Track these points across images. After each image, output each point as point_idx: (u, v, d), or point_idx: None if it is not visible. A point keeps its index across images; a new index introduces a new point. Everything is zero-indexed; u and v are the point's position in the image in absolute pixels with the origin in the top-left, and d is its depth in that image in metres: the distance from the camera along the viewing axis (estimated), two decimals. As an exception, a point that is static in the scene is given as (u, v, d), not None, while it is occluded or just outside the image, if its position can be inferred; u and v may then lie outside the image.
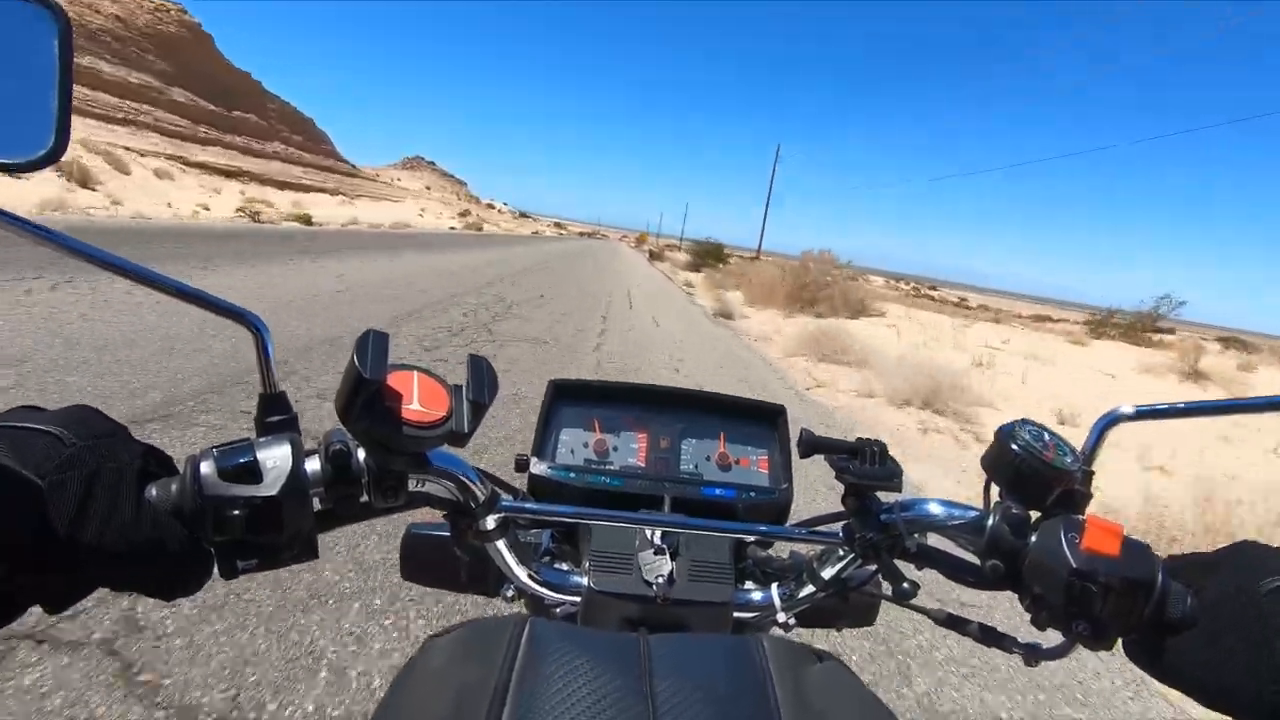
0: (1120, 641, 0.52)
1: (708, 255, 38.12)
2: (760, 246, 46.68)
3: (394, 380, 0.47)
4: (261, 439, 0.46)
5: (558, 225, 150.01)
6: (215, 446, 0.44)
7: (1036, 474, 0.54)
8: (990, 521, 0.56)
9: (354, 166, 59.75)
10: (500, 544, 0.63)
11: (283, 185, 38.58)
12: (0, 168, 0.41)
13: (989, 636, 0.59)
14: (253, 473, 0.43)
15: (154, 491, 0.43)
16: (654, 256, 48.49)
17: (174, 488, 0.43)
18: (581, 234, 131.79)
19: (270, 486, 0.43)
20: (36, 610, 0.39)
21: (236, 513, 0.42)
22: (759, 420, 0.88)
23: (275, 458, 0.44)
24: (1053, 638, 0.54)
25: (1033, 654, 0.56)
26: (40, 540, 0.37)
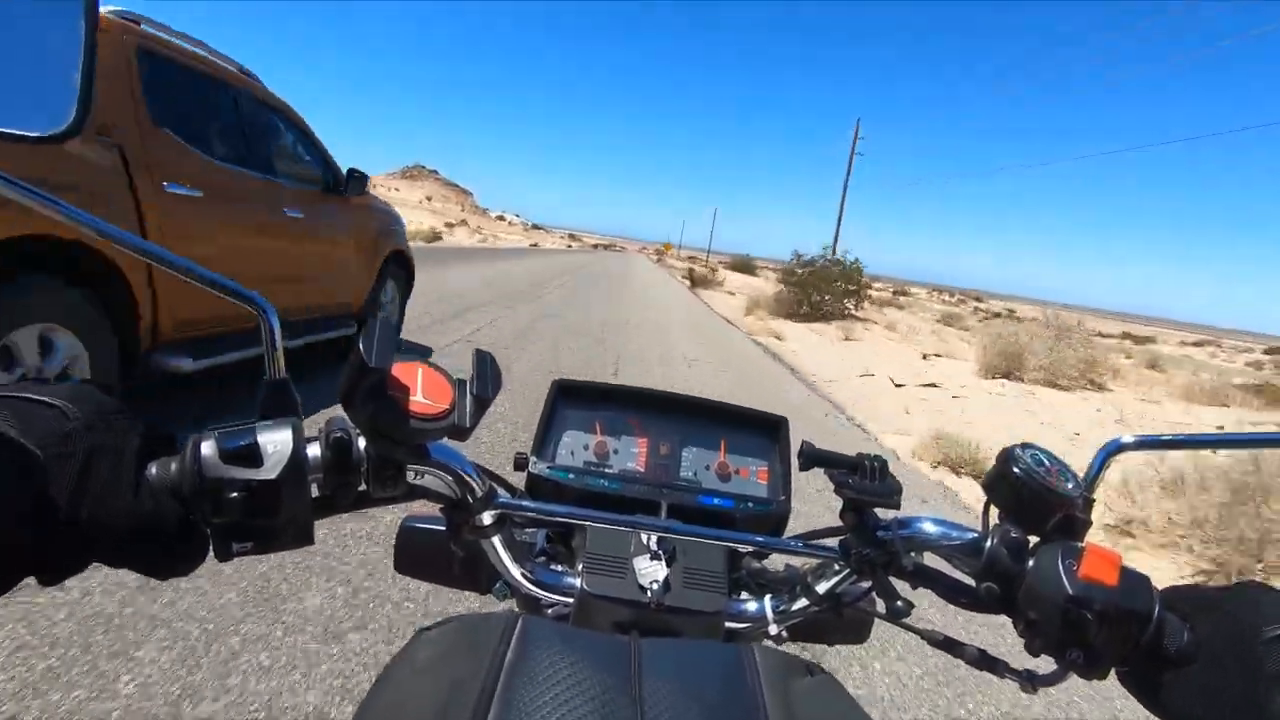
0: (1115, 673, 0.51)
1: (818, 285, 18.80)
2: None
3: (399, 371, 0.47)
4: (263, 422, 0.46)
5: (571, 237, 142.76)
6: (217, 428, 0.45)
7: (1037, 498, 0.54)
8: (988, 544, 0.55)
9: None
10: (495, 541, 0.63)
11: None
12: (26, 140, 0.42)
13: (984, 661, 0.59)
14: (253, 456, 0.44)
15: (154, 470, 0.43)
16: (696, 283, 29.40)
17: (174, 467, 0.43)
18: (595, 246, 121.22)
19: (270, 470, 0.44)
20: None
21: (235, 495, 0.43)
22: (761, 431, 0.88)
23: (276, 442, 0.44)
24: (1047, 664, 0.54)
25: (1027, 680, 0.56)
26: (38, 513, 0.37)
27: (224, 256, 3.36)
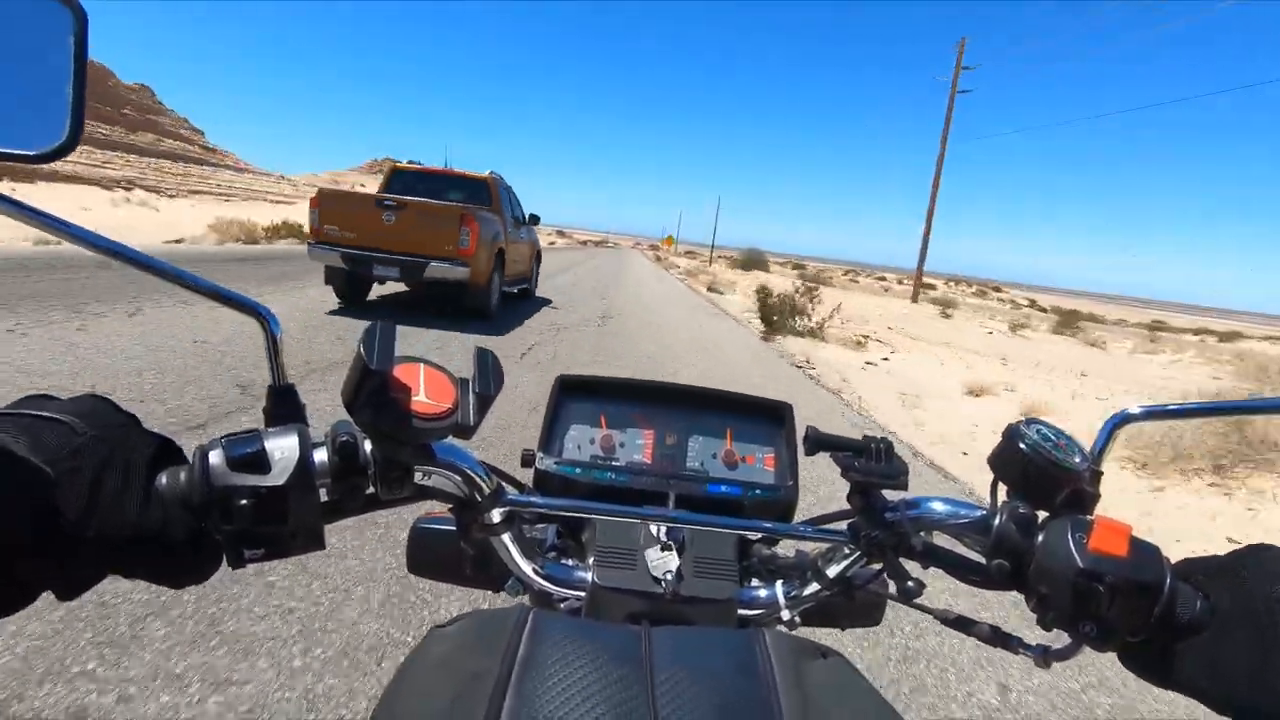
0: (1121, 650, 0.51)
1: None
2: (922, 265, 27.30)
3: (400, 372, 0.47)
4: (270, 429, 0.47)
5: (559, 233, 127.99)
6: (224, 437, 0.45)
7: (1044, 473, 0.54)
8: (997, 521, 0.55)
9: (217, 152, 40.75)
10: (506, 538, 0.64)
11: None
12: (20, 159, 0.42)
13: (996, 637, 0.59)
14: (261, 463, 0.44)
15: (164, 480, 0.44)
16: (772, 323, 11.08)
17: (183, 477, 0.44)
18: (584, 242, 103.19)
19: (278, 477, 0.44)
20: None
21: (244, 502, 0.43)
22: (766, 417, 0.88)
23: (283, 448, 0.45)
24: (1059, 638, 0.54)
25: (1040, 655, 0.56)
26: (51, 528, 0.37)
27: (514, 258, 9.46)
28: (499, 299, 8.68)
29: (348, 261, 7.36)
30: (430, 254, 7.41)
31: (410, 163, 9.60)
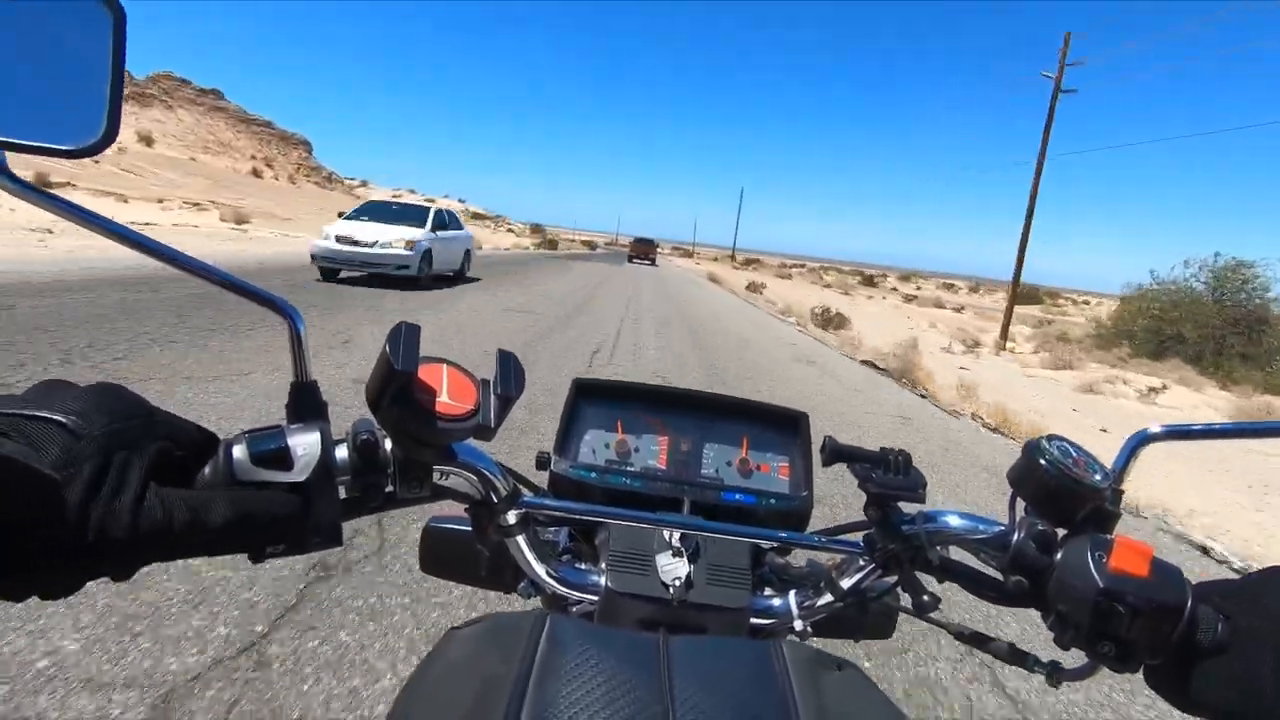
0: (1142, 669, 0.51)
1: None
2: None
3: (424, 372, 0.48)
4: (292, 426, 0.47)
5: (534, 230, 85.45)
6: (247, 431, 0.45)
7: (1065, 490, 0.53)
8: (1015, 537, 0.55)
9: None
10: (520, 540, 0.64)
11: None
12: (56, 153, 0.43)
13: (1014, 655, 0.59)
14: (283, 459, 0.44)
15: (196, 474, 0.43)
16: None
17: (207, 471, 0.44)
18: (544, 241, 64.04)
19: (300, 473, 0.44)
20: None
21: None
22: (782, 426, 0.88)
23: (305, 445, 0.45)
24: (1076, 658, 0.54)
25: (1056, 674, 0.56)
26: (68, 534, 0.36)
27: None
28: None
29: (633, 255, 49.17)
30: (647, 255, 48.71)
31: (641, 236, 49.66)
